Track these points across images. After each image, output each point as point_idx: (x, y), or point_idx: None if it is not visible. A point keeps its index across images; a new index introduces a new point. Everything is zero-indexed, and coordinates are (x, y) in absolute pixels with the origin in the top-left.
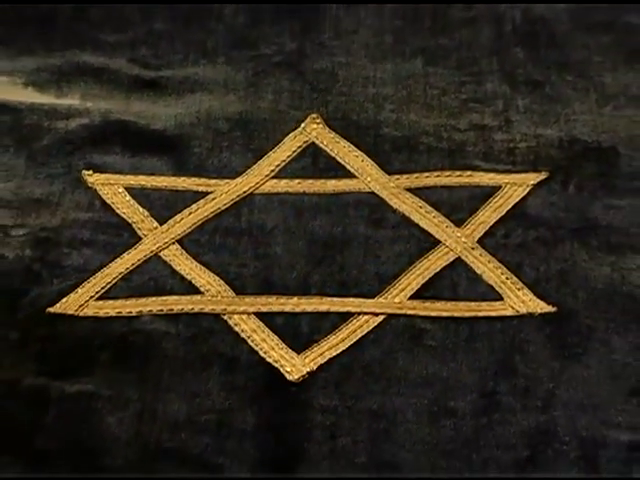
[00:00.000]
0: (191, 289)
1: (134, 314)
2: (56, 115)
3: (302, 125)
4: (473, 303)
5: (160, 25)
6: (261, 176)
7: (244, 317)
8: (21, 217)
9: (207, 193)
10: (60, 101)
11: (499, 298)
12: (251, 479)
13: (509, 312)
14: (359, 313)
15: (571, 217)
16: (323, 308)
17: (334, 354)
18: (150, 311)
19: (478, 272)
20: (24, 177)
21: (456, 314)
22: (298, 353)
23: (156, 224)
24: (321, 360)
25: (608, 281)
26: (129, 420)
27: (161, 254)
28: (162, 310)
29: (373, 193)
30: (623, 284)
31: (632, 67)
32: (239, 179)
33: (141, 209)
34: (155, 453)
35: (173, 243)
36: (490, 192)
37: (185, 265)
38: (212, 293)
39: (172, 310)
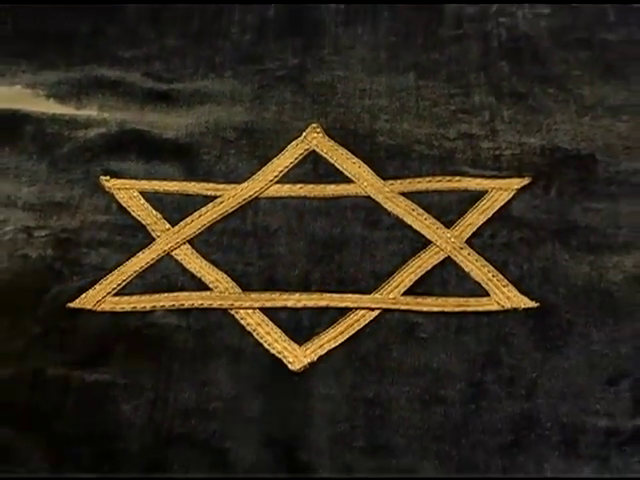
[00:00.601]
0: (201, 286)
1: (148, 309)
2: (76, 125)
3: (303, 134)
4: (462, 299)
5: (172, 42)
6: (265, 181)
7: (250, 312)
8: (43, 219)
9: (215, 197)
10: (79, 112)
11: (486, 294)
12: (254, 479)
13: (495, 307)
14: (356, 308)
15: (552, 219)
16: (323, 303)
17: (333, 346)
18: (163, 306)
19: (466, 270)
20: (46, 182)
21: (446, 309)
22: (300, 345)
23: (168, 226)
24: (321, 352)
25: (587, 278)
26: (143, 407)
27: (173, 253)
28: (174, 305)
29: (369, 197)
30: (601, 281)
31: (608, 81)
32: (245, 184)
33: (154, 212)
34: (167, 438)
35: (184, 243)
36: (477, 196)
37: (195, 264)
38: (220, 290)
39: (183, 305)
